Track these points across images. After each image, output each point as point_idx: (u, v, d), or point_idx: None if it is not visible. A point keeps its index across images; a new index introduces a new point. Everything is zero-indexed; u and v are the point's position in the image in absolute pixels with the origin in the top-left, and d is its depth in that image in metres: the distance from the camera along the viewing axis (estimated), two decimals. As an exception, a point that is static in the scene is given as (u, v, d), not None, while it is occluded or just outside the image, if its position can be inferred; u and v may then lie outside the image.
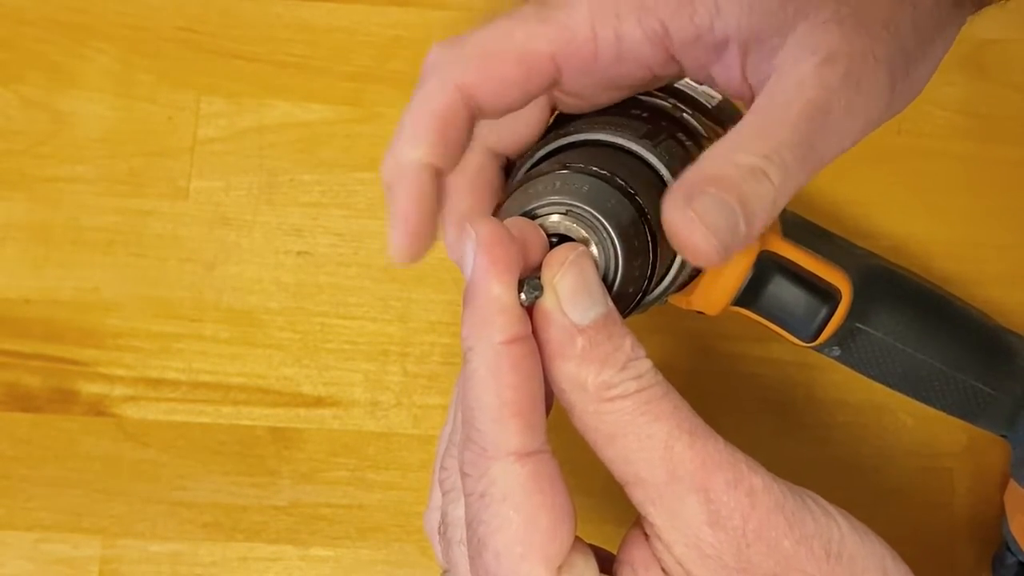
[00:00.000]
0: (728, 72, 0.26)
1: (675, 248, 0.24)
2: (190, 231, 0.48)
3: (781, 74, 0.25)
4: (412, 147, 0.26)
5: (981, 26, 0.49)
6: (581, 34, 0.26)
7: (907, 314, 0.41)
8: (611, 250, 0.25)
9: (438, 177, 0.26)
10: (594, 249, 0.25)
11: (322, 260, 0.48)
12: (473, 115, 0.27)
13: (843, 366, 0.44)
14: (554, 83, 0.27)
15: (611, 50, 0.26)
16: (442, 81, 0.26)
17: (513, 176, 0.30)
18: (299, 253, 0.48)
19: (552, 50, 0.26)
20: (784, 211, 0.40)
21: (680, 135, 0.30)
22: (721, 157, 0.24)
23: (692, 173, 0.24)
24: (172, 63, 0.49)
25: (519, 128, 0.30)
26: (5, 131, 0.48)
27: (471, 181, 0.30)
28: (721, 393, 0.47)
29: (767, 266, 0.39)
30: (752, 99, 0.26)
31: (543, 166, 0.27)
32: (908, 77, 0.27)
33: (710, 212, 0.24)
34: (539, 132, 0.30)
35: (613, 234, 0.25)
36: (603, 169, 0.26)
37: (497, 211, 0.27)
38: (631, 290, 0.26)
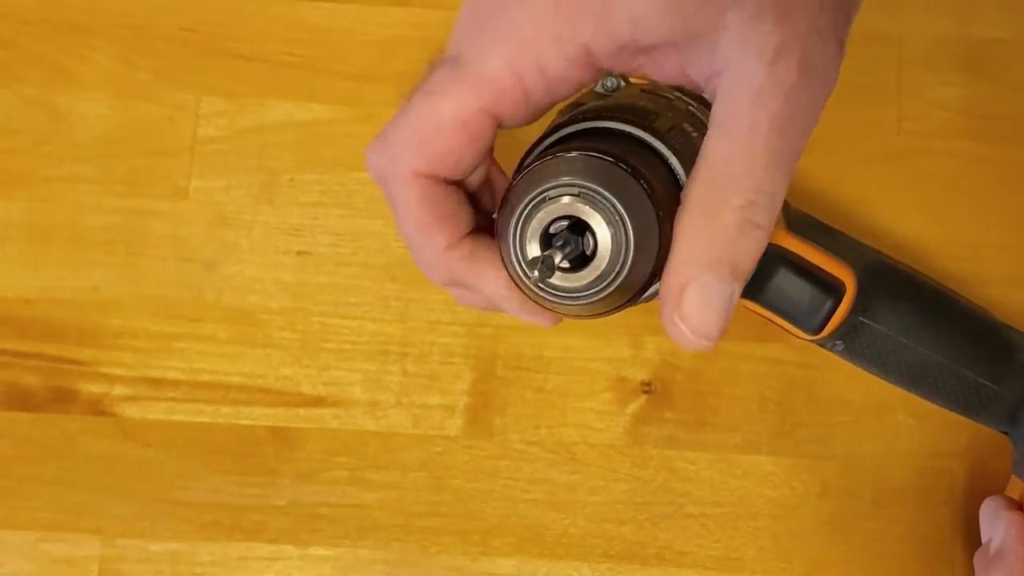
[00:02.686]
0: (663, 70, 0.26)
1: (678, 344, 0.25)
2: (190, 231, 0.48)
3: (734, 82, 0.25)
4: (434, 241, 0.27)
5: (981, 26, 0.50)
6: (505, 80, 0.25)
7: (910, 309, 0.41)
8: (622, 234, 0.25)
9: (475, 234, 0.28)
10: (606, 232, 0.25)
11: (322, 260, 0.48)
12: (451, 182, 0.27)
13: (843, 366, 0.44)
14: (499, 127, 0.27)
15: (539, 85, 0.26)
16: (401, 181, 0.27)
17: (522, 162, 0.30)
18: (299, 253, 0.48)
19: (483, 105, 0.26)
20: (788, 206, 0.41)
21: (686, 125, 0.30)
22: (708, 220, 0.24)
23: (684, 255, 0.25)
24: (172, 63, 0.49)
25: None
26: (5, 131, 0.48)
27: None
28: (721, 393, 0.47)
29: (772, 259, 0.39)
30: (695, 87, 0.26)
31: (553, 150, 0.27)
32: (850, 22, 0.26)
33: (701, 307, 0.25)
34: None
35: (625, 217, 0.25)
36: (614, 153, 0.26)
37: (507, 193, 0.26)
38: (640, 274, 0.26)
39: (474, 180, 0.29)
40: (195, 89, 0.49)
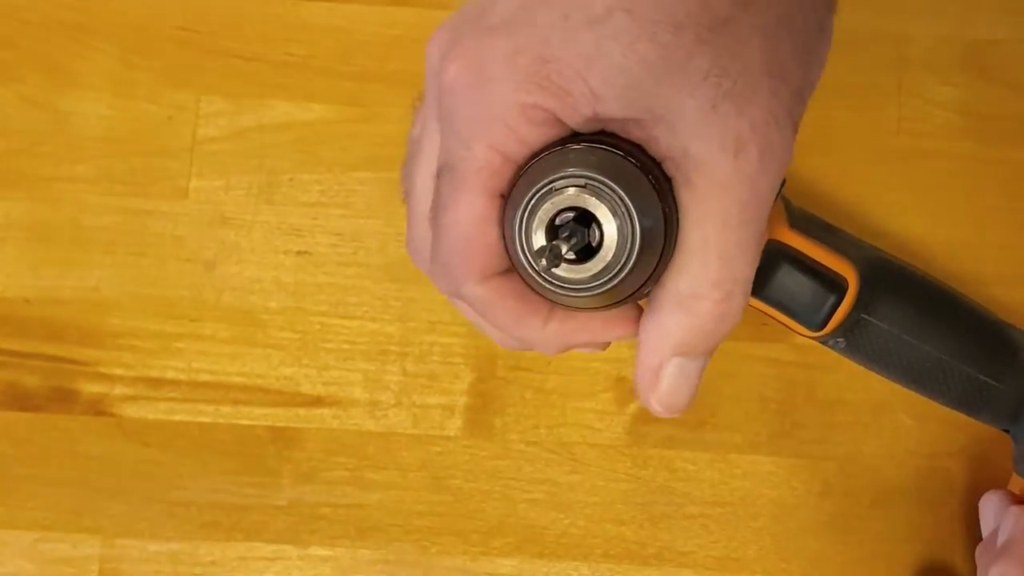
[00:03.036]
0: (631, 137, 0.26)
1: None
2: (190, 231, 0.48)
3: (700, 175, 0.25)
4: (531, 325, 0.28)
5: (981, 26, 0.50)
6: (494, 161, 0.26)
7: (912, 306, 0.41)
8: (628, 226, 0.25)
9: None
10: (612, 224, 0.25)
11: (322, 260, 0.48)
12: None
13: (843, 367, 0.44)
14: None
15: (523, 150, 0.26)
16: (473, 294, 0.27)
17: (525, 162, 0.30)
18: (299, 253, 0.48)
19: (488, 191, 0.26)
20: (790, 203, 0.41)
21: None
22: (687, 311, 0.26)
23: (662, 342, 0.26)
24: (172, 63, 0.49)
25: None
26: (5, 131, 0.48)
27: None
28: (721, 393, 0.47)
29: (774, 255, 0.39)
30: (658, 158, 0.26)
31: (560, 143, 0.27)
32: (805, 100, 0.27)
33: (676, 387, 0.27)
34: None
35: (632, 209, 0.25)
36: (620, 146, 0.26)
37: (515, 184, 0.26)
38: (646, 267, 0.26)
39: None
40: (195, 89, 0.49)
